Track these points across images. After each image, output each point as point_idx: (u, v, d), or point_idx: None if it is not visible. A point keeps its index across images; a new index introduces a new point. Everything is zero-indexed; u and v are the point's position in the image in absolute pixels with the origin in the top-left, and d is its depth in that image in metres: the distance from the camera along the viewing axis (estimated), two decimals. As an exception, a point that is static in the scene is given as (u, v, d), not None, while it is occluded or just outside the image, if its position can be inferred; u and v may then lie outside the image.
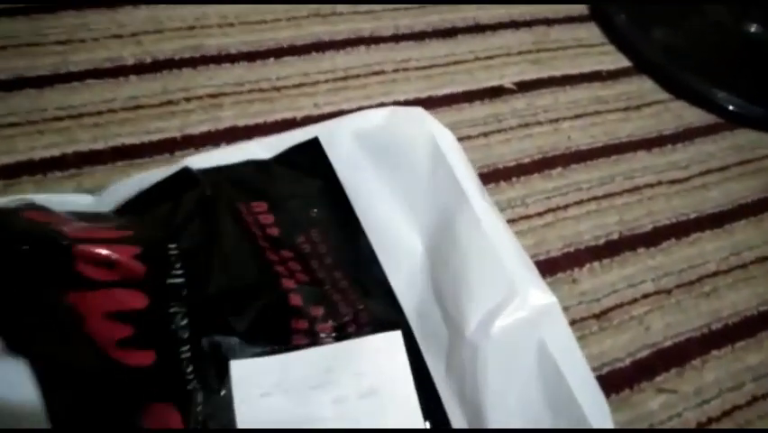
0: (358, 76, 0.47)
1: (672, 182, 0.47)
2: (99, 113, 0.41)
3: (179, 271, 0.27)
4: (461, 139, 0.45)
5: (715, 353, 0.38)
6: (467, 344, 0.28)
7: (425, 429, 0.27)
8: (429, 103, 0.47)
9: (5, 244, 0.24)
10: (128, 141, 0.40)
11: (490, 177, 0.44)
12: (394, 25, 0.52)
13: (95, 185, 0.37)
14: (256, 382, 0.26)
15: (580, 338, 0.37)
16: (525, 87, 0.51)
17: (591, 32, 0.57)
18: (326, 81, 0.46)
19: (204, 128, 0.42)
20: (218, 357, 0.26)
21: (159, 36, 0.46)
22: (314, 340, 0.28)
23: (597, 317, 0.39)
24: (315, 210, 0.33)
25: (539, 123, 0.48)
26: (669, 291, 0.41)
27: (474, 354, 0.27)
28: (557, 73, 0.52)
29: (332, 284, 0.30)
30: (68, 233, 0.26)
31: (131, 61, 0.44)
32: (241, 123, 0.43)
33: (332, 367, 0.27)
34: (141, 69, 0.44)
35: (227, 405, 0.26)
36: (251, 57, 0.46)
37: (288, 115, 0.43)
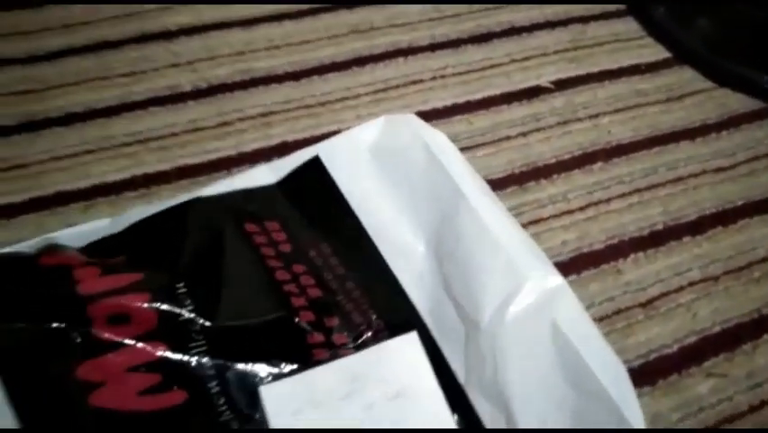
0: (397, 86, 0.49)
1: (718, 170, 0.47)
2: (162, 137, 0.45)
3: (190, 307, 0.29)
4: (500, 140, 0.47)
5: (766, 337, 0.38)
6: (484, 334, 0.29)
7: (457, 430, 0.28)
8: (467, 107, 0.49)
9: (24, 318, 0.27)
10: (189, 161, 0.44)
11: (530, 175, 0.45)
12: (430, 35, 0.54)
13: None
14: (287, 402, 0.28)
15: (626, 327, 0.38)
16: (562, 85, 0.51)
17: (629, 26, 0.58)
18: (367, 94, 0.49)
19: (256, 145, 0.45)
20: (246, 385, 0.28)
21: (212, 62, 0.50)
22: (333, 352, 0.30)
23: (643, 306, 0.39)
24: (324, 224, 0.34)
25: (578, 119, 0.49)
26: (716, 278, 0.41)
27: (493, 343, 0.29)
28: (595, 69, 0.53)
29: (344, 294, 0.32)
30: (83, 288, 0.28)
31: (188, 88, 0.48)
32: (290, 138, 0.45)
33: (356, 376, 0.29)
34: (197, 94, 0.47)
35: (263, 429, 0.27)
36: (296, 76, 0.49)
37: (333, 127, 0.46)
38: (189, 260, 0.31)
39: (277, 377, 0.28)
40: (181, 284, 0.29)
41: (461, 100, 0.49)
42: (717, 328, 0.38)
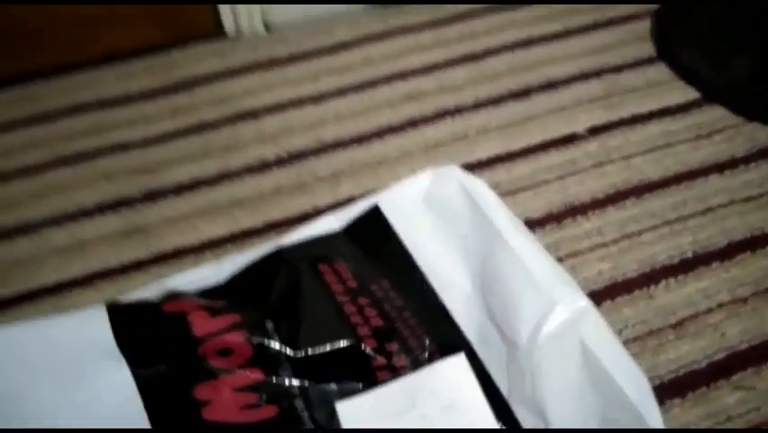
0: (445, 143, 0.57)
1: (747, 200, 0.50)
2: (253, 199, 0.54)
3: (277, 340, 0.37)
4: (538, 184, 0.53)
5: (793, 352, 0.41)
6: (522, 353, 0.35)
7: (501, 429, 0.34)
8: (508, 157, 0.55)
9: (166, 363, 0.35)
10: (275, 217, 0.52)
11: (567, 213, 0.51)
12: (474, 95, 0.61)
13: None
14: (358, 415, 0.35)
15: (658, 346, 0.42)
16: (596, 131, 0.57)
17: (660, 71, 0.63)
18: (420, 151, 0.56)
19: (328, 200, 0.53)
20: (325, 402, 0.35)
21: (290, 135, 0.59)
22: (394, 373, 0.36)
23: (673, 327, 0.43)
24: (383, 263, 0.41)
25: (611, 161, 0.55)
26: (745, 300, 0.44)
27: (529, 360, 0.34)
28: (627, 114, 0.58)
29: (402, 322, 0.38)
30: (196, 330, 0.36)
31: (272, 158, 0.57)
32: (356, 192, 0.54)
33: (414, 393, 0.35)
34: (279, 162, 0.57)
35: None
36: (359, 140, 0.58)
37: (392, 181, 0.54)
38: (275, 300, 0.39)
39: (349, 394, 0.36)
40: (270, 321, 0.38)
41: (502, 151, 0.56)
42: (744, 346, 0.42)
